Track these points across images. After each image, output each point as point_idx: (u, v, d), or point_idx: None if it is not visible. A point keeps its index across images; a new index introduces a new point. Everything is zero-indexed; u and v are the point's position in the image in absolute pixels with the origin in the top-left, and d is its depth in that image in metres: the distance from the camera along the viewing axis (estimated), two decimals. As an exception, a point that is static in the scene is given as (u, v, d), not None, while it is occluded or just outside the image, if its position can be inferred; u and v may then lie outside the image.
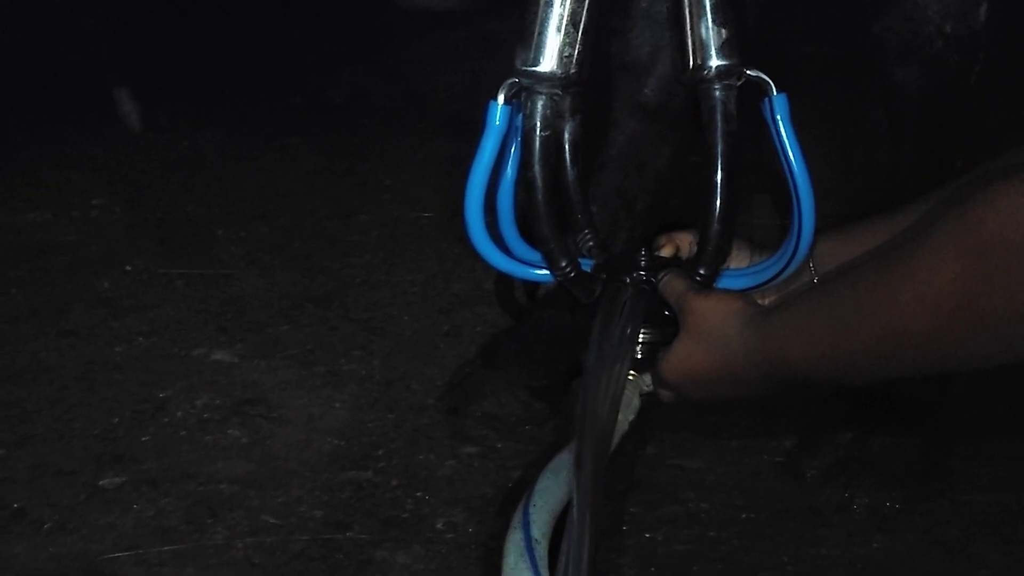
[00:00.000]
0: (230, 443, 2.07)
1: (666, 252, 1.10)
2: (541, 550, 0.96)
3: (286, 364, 2.28)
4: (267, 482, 1.97)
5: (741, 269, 1.07)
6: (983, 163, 1.04)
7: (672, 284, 1.02)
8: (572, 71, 0.94)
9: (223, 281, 2.54)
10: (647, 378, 1.07)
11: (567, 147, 1.04)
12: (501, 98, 0.95)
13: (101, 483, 1.96)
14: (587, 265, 1.06)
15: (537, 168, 0.95)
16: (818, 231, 1.05)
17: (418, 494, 1.96)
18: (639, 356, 1.05)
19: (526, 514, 0.95)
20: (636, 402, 1.07)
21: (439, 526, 1.89)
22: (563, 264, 1.01)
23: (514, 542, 0.96)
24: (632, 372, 1.06)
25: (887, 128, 1.87)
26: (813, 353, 0.92)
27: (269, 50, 3.62)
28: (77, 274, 2.57)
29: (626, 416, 1.05)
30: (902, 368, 0.90)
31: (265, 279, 2.55)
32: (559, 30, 0.93)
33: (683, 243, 1.10)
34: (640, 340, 1.04)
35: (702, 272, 1.01)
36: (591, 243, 1.08)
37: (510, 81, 0.95)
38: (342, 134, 3.24)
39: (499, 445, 2.06)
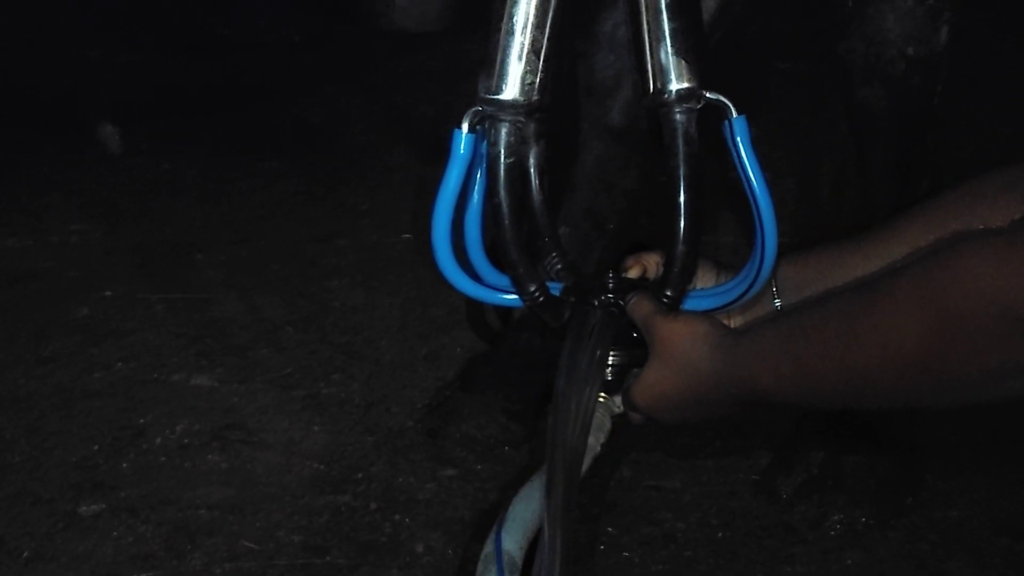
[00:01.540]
0: (209, 468, 2.07)
1: (633, 273, 1.11)
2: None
3: (266, 388, 2.29)
4: (246, 507, 1.98)
5: (707, 289, 1.09)
6: (949, 185, 1.06)
7: (639, 307, 1.03)
8: (535, 98, 0.96)
9: (202, 305, 2.55)
10: (618, 400, 1.08)
11: (532, 172, 1.05)
12: (465, 126, 0.96)
13: (80, 511, 1.96)
14: (556, 288, 1.08)
15: (503, 195, 0.97)
16: (782, 254, 1.07)
17: (396, 517, 1.96)
18: (609, 378, 1.06)
19: (498, 540, 0.96)
20: (608, 424, 1.08)
21: (418, 549, 1.90)
22: (531, 289, 1.01)
23: (486, 569, 0.97)
24: (603, 395, 1.07)
25: (854, 147, 1.89)
26: (781, 385, 0.94)
27: (249, 71, 3.63)
28: (56, 300, 2.57)
29: (598, 439, 1.06)
30: (868, 405, 0.93)
31: (244, 303, 2.56)
32: (520, 58, 0.95)
33: (650, 264, 1.11)
34: (610, 363, 1.05)
35: (668, 294, 1.02)
36: (559, 266, 1.09)
37: (473, 109, 0.96)
38: (321, 156, 3.25)
39: (478, 467, 2.07)
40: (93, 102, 3.26)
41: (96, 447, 2.12)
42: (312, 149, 3.29)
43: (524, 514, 0.99)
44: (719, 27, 1.62)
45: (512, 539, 0.98)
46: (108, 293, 2.59)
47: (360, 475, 2.06)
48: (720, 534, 1.93)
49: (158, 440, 2.14)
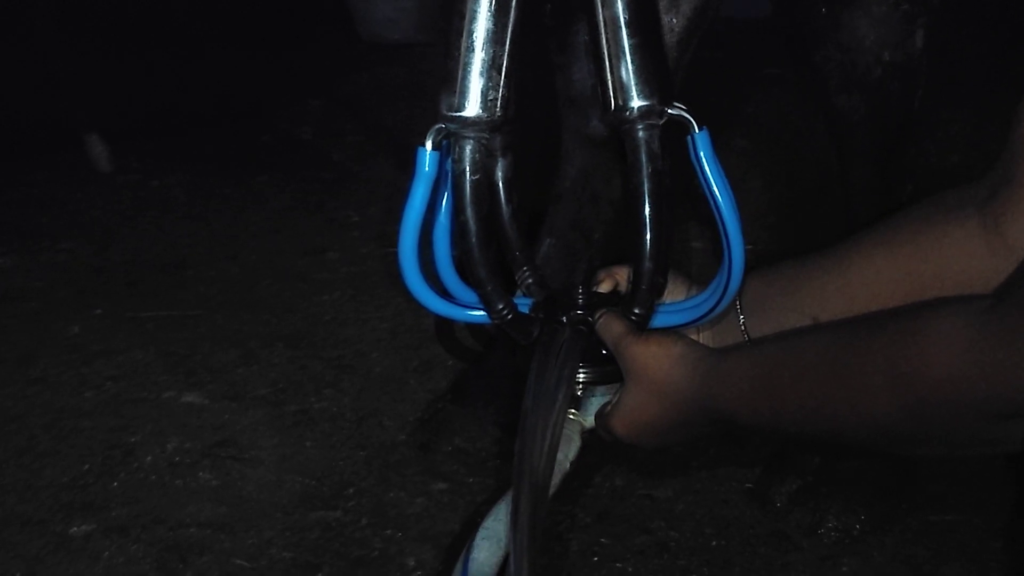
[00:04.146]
0: (200, 486, 2.07)
1: (605, 287, 1.10)
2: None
3: (256, 404, 2.28)
4: (237, 525, 1.97)
5: (676, 304, 1.07)
6: (927, 197, 1.06)
7: (608, 327, 1.02)
8: (498, 114, 0.95)
9: (193, 322, 2.54)
10: (589, 417, 1.06)
11: (500, 186, 1.04)
12: (429, 144, 0.95)
13: (70, 532, 1.96)
14: (527, 304, 1.07)
15: (469, 212, 0.93)
16: (753, 268, 1.06)
17: (388, 532, 1.95)
18: (579, 394, 1.05)
19: (465, 569, 0.94)
20: (577, 441, 1.06)
21: (409, 564, 1.89)
22: (500, 307, 1.00)
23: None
24: (573, 411, 1.05)
25: (835, 154, 1.88)
26: (760, 423, 0.94)
27: (237, 86, 3.62)
28: (45, 319, 2.56)
29: (567, 456, 1.04)
30: (844, 448, 0.92)
31: (235, 319, 2.55)
32: (482, 75, 0.94)
33: (622, 277, 1.09)
34: (580, 379, 1.04)
35: (637, 312, 1.01)
36: (530, 280, 1.08)
37: (437, 127, 0.96)
38: (311, 170, 3.24)
39: (469, 480, 2.06)
40: (82, 120, 3.25)
41: (86, 466, 2.11)
42: (302, 163, 3.29)
43: (490, 543, 0.98)
44: (696, 32, 1.60)
45: (478, 569, 0.97)
46: (98, 311, 2.58)
47: (351, 490, 2.05)
48: (714, 543, 1.92)
49: (149, 459, 2.13)
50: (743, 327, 1.08)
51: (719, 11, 1.61)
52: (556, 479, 1.01)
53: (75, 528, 1.96)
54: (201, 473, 2.10)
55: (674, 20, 1.54)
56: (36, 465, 2.12)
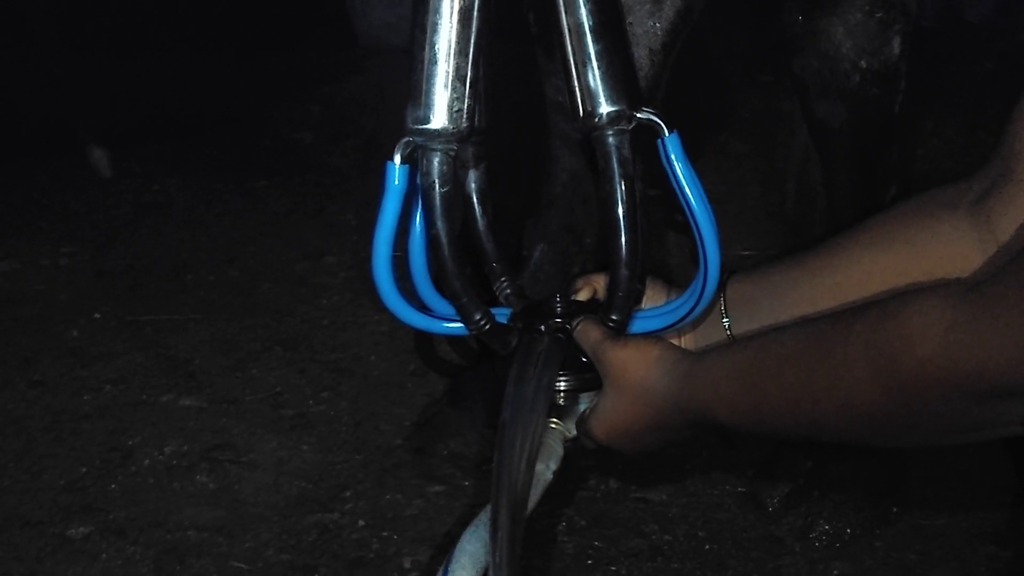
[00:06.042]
0: (198, 489, 2.08)
1: (583, 295, 1.09)
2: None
3: (255, 408, 2.29)
4: (235, 527, 1.98)
5: (655, 309, 1.07)
6: (910, 196, 1.05)
7: (586, 334, 1.01)
8: (464, 125, 0.92)
9: (192, 326, 2.55)
10: (571, 425, 1.06)
11: (474, 197, 1.03)
12: (397, 158, 0.91)
13: (69, 533, 1.97)
14: (506, 313, 1.07)
15: (440, 225, 0.92)
16: (732, 274, 1.06)
17: (384, 534, 1.96)
18: (561, 403, 1.05)
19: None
20: (559, 450, 1.06)
21: (405, 565, 1.90)
22: (477, 318, 0.97)
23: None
24: (554, 420, 1.05)
25: (818, 160, 1.89)
26: (738, 419, 0.93)
27: (237, 91, 3.63)
28: (46, 323, 2.58)
29: (549, 466, 1.04)
30: (825, 443, 0.91)
31: (234, 323, 2.56)
32: (446, 86, 0.91)
33: (600, 285, 1.09)
34: (561, 388, 1.04)
35: (614, 318, 0.99)
36: (508, 291, 1.08)
37: (405, 140, 0.92)
38: (310, 175, 3.25)
39: (465, 483, 2.07)
40: (83, 126, 3.26)
41: (85, 469, 2.13)
42: (302, 167, 3.30)
43: (471, 554, 0.98)
44: (680, 35, 1.60)
45: None
46: (98, 315, 2.60)
47: (348, 493, 2.06)
48: (707, 546, 1.93)
49: (147, 462, 2.15)
50: (728, 330, 1.08)
51: (703, 14, 1.61)
52: (538, 490, 1.01)
53: (74, 530, 1.98)
54: (199, 476, 2.11)
55: (657, 24, 1.54)
56: (35, 467, 2.13)
